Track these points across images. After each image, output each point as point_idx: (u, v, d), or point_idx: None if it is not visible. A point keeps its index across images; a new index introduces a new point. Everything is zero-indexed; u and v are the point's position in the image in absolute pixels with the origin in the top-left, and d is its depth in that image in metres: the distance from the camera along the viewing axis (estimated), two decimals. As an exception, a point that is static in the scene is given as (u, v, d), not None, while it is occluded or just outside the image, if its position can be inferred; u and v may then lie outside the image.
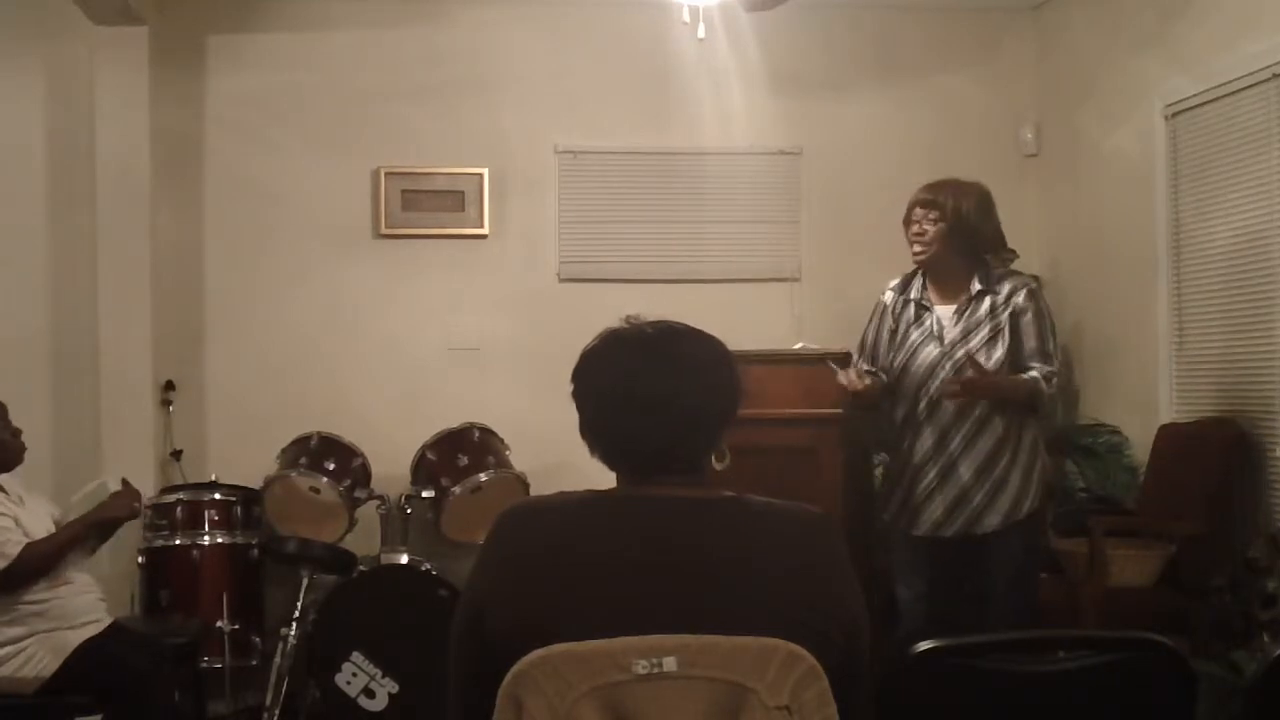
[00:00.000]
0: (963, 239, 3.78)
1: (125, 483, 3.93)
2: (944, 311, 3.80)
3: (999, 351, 3.73)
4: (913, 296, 3.85)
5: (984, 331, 3.74)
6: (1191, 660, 1.96)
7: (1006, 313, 3.76)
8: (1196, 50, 4.54)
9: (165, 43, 5.13)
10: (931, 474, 3.75)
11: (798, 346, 5.14)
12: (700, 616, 1.64)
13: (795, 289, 5.51)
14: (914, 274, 3.91)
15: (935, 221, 3.77)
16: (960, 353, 3.73)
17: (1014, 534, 3.75)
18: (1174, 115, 4.67)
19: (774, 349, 5.04)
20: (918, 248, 3.80)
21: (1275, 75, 4.11)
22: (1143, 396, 4.83)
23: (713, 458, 1.85)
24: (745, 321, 5.11)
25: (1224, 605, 3.86)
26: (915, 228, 3.79)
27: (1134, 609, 3.98)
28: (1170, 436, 4.56)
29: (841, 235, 5.49)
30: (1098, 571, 4.04)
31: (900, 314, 3.88)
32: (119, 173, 4.98)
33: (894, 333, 3.88)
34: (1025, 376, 3.74)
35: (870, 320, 3.98)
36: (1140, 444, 4.78)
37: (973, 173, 5.59)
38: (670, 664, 1.59)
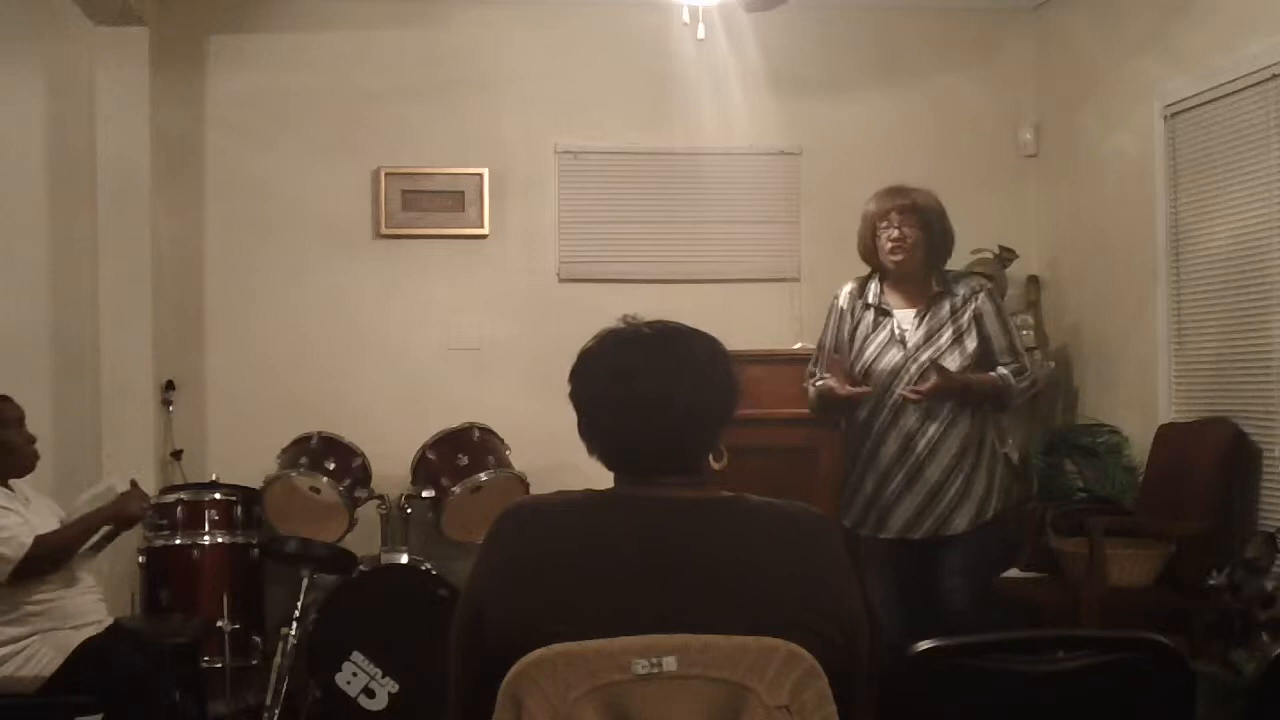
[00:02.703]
0: (934, 244, 3.82)
1: (134, 484, 3.94)
2: (904, 315, 3.81)
3: (967, 351, 3.76)
4: (871, 301, 3.85)
5: (947, 333, 3.77)
6: (1191, 660, 1.96)
7: (967, 314, 3.79)
8: (1196, 50, 4.54)
9: (165, 43, 5.13)
10: (899, 477, 3.75)
11: (797, 346, 5.14)
12: (700, 616, 1.65)
13: (795, 289, 5.51)
14: (869, 277, 3.91)
15: (914, 227, 3.79)
16: (925, 355, 3.74)
17: (982, 536, 3.77)
18: (1174, 115, 4.67)
19: (774, 349, 5.05)
20: (898, 254, 3.79)
21: (1275, 75, 4.11)
22: (1142, 396, 4.83)
23: (711, 457, 1.85)
24: (745, 321, 5.11)
25: (1223, 605, 3.86)
26: (894, 232, 3.78)
27: (1133, 609, 3.98)
28: (1169, 436, 4.56)
29: (841, 235, 5.41)
30: (1097, 571, 4.04)
31: (859, 318, 3.88)
32: (119, 173, 4.98)
33: (852, 337, 3.88)
34: (993, 374, 3.78)
35: (826, 325, 3.97)
36: (1139, 444, 4.78)
37: (972, 173, 5.61)
38: (670, 664, 1.59)
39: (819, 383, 3.87)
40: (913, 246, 3.79)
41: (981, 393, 3.76)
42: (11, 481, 3.72)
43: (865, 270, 3.97)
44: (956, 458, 3.73)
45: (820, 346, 3.99)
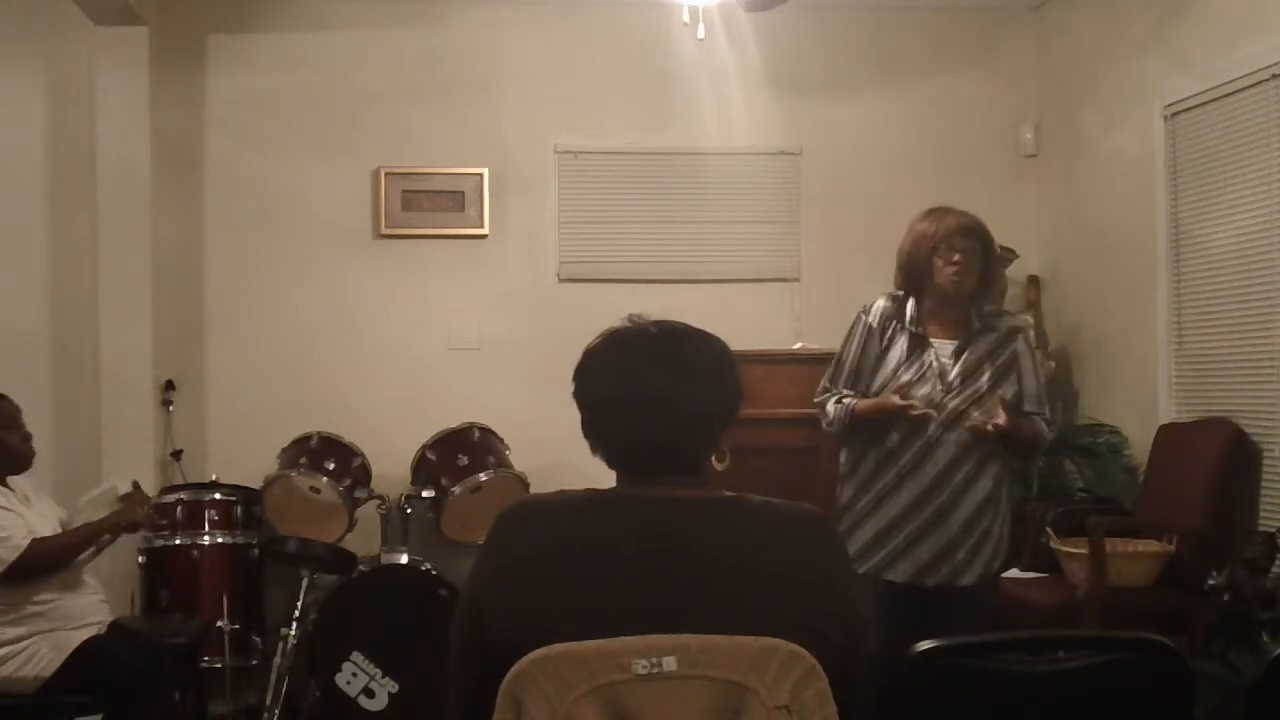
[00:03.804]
0: (988, 269, 3.62)
1: (136, 486, 3.93)
2: (943, 347, 3.55)
3: (1008, 393, 3.53)
4: (908, 324, 3.58)
5: (986, 374, 3.53)
6: (1191, 660, 1.96)
7: (1005, 355, 3.57)
8: (1196, 50, 4.54)
9: (165, 43, 5.14)
10: (918, 520, 3.50)
11: (797, 346, 5.15)
12: (700, 616, 1.65)
13: (795, 289, 5.51)
14: (905, 298, 3.60)
15: (976, 250, 3.55)
16: (964, 395, 3.50)
17: (991, 589, 3.63)
18: (1174, 115, 4.67)
19: (773, 349, 5.06)
20: (958, 277, 3.51)
21: (1275, 75, 4.11)
22: (1142, 396, 4.83)
23: (713, 458, 1.85)
24: (745, 321, 5.11)
25: (1223, 605, 3.86)
26: (958, 256, 3.50)
27: (1134, 609, 3.98)
28: (1169, 436, 4.56)
29: (841, 235, 5.49)
30: (1098, 571, 4.04)
31: (890, 339, 3.60)
32: (119, 173, 4.98)
33: (881, 358, 3.59)
34: (1032, 424, 3.57)
35: (850, 340, 3.64)
36: (1140, 444, 4.78)
37: (972, 173, 5.61)
38: (670, 664, 1.59)
39: (847, 399, 3.58)
40: (973, 274, 3.54)
41: (1023, 441, 3.55)
42: (10, 480, 3.72)
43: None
44: (982, 507, 3.52)
45: (839, 361, 3.67)
